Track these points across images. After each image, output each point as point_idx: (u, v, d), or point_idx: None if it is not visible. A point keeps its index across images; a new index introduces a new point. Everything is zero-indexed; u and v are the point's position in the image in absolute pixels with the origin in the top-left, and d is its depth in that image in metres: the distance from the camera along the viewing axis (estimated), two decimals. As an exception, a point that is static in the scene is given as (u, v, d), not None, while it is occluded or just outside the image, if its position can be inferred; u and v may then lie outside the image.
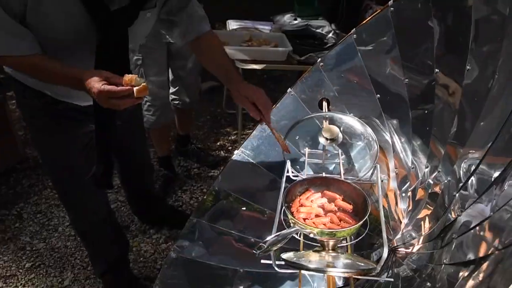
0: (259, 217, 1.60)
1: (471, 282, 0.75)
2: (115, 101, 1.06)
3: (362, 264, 0.85)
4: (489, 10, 1.07)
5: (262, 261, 0.99)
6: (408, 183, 1.35)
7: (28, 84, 1.34)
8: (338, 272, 0.82)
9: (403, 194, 1.36)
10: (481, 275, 0.74)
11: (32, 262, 2.08)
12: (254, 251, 0.88)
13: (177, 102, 2.47)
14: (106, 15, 1.14)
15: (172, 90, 2.43)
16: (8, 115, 2.73)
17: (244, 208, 1.62)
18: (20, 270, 2.02)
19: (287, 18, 2.88)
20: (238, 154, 1.71)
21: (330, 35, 2.59)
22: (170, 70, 2.33)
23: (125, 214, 2.37)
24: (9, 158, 2.78)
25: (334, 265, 0.83)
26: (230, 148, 2.98)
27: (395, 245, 1.21)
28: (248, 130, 3.09)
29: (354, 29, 1.57)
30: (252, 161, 1.70)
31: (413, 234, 1.18)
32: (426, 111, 1.30)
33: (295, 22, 2.76)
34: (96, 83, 1.05)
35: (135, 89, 1.06)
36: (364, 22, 1.55)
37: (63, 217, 2.35)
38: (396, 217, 1.31)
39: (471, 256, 0.80)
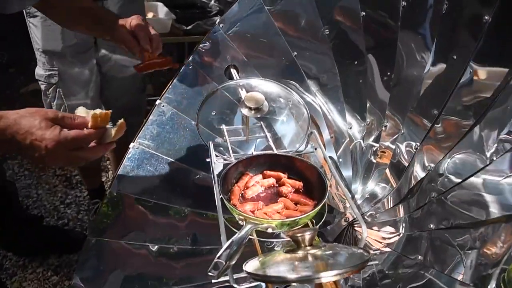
0: (177, 220, 1.30)
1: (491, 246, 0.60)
2: (83, 153, 0.75)
3: (354, 256, 0.64)
4: None
5: (214, 281, 0.73)
6: (345, 145, 1.19)
7: None
8: (331, 276, 0.60)
9: (341, 160, 1.20)
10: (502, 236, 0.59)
11: None
12: (211, 274, 0.61)
13: None
14: None
15: None
16: None
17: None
18: None
19: (159, -13, 2.52)
20: (135, 147, 1.37)
21: (213, 2, 2.33)
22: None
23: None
24: None
25: (326, 266, 0.60)
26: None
27: (351, 219, 1.04)
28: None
29: (256, -22, 1.33)
30: (155, 152, 1.38)
31: (370, 204, 1.02)
32: (356, 62, 1.14)
33: (171, -10, 2.42)
34: (47, 131, 0.70)
35: (113, 130, 0.79)
36: (266, -31, 1.32)
37: None
38: (344, 188, 1.14)
39: (479, 216, 0.65)
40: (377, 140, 1.10)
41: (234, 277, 0.73)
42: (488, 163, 0.70)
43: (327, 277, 0.58)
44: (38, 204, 2.10)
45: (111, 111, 0.81)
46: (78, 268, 1.17)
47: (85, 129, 0.76)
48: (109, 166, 2.31)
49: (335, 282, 0.65)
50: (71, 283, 1.18)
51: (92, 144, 0.80)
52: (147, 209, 1.31)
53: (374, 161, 1.08)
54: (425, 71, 0.96)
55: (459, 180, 0.74)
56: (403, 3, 0.99)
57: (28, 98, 2.97)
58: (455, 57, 0.89)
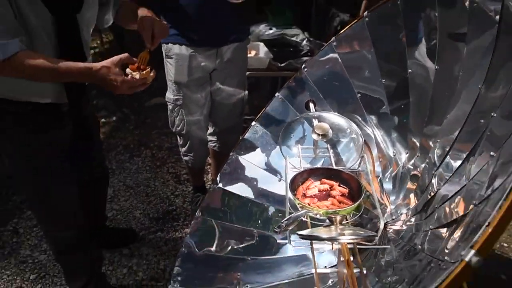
0: (259, 210, 1.75)
1: (454, 236, 0.95)
2: (134, 88, 1.37)
3: (366, 233, 1.03)
4: (452, 23, 1.29)
5: (279, 240, 1.16)
6: (391, 169, 1.55)
7: None
8: (347, 239, 0.99)
9: (387, 180, 1.56)
10: (460, 230, 0.93)
11: (36, 273, 2.13)
12: (275, 230, 1.04)
13: (213, 144, 2.37)
14: (57, 3, 1.35)
15: (210, 130, 2.34)
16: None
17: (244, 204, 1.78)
18: (26, 282, 2.08)
19: (262, 28, 3.06)
20: (233, 156, 1.87)
21: (304, 42, 2.80)
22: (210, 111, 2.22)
23: (122, 222, 2.46)
24: (-3, 175, 2.81)
25: (343, 234, 1.00)
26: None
27: (385, 221, 1.40)
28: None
29: (334, 37, 1.76)
30: (248, 161, 1.86)
31: (400, 211, 1.38)
32: (402, 106, 1.50)
33: (271, 31, 2.95)
34: (118, 76, 1.31)
35: (150, 77, 1.40)
36: (342, 31, 1.74)
37: (60, 229, 2.40)
38: (383, 200, 1.50)
39: (453, 217, 0.99)
40: (414, 164, 1.45)
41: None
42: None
43: (345, 239, 0.98)
44: (154, 193, 2.71)
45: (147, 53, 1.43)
46: (190, 234, 1.68)
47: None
48: (209, 170, 2.86)
49: (352, 250, 1.03)
50: (183, 245, 1.69)
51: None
52: (239, 202, 1.78)
53: (409, 180, 1.43)
54: (450, 113, 1.29)
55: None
56: (436, 67, 1.34)
57: (150, 110, 3.70)
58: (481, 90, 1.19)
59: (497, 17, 1.03)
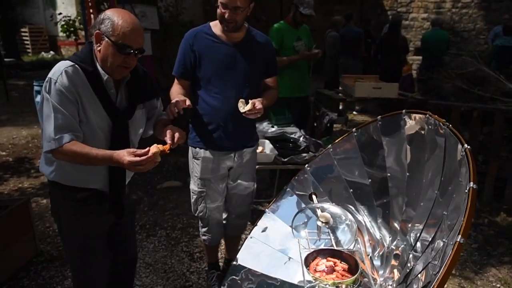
0: (273, 284, 2.14)
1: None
2: (140, 167, 1.70)
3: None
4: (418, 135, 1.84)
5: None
6: (378, 249, 1.99)
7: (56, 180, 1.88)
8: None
9: (376, 258, 1.99)
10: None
11: None
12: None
13: (226, 228, 2.73)
14: (116, 112, 1.83)
15: (224, 216, 2.71)
16: (31, 214, 3.13)
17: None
18: None
19: (265, 125, 3.64)
20: (248, 239, 2.29)
21: (301, 139, 3.36)
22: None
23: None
24: (28, 252, 3.12)
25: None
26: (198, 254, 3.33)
27: (376, 292, 1.81)
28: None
29: (331, 145, 2.30)
30: (263, 242, 2.28)
31: (387, 283, 1.80)
32: (385, 200, 1.99)
33: (273, 129, 3.52)
34: (126, 157, 1.68)
35: (151, 153, 1.69)
36: (337, 140, 2.29)
37: (89, 303, 2.69)
38: (374, 273, 1.92)
39: (423, 285, 1.43)
40: (396, 245, 1.90)
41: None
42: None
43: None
44: (172, 270, 3.04)
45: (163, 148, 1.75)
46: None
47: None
48: (222, 249, 3.22)
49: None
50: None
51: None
52: (256, 277, 2.16)
53: (393, 259, 1.86)
54: (419, 205, 1.78)
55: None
56: (407, 173, 1.86)
57: (161, 193, 4.13)
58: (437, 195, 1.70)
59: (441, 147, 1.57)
